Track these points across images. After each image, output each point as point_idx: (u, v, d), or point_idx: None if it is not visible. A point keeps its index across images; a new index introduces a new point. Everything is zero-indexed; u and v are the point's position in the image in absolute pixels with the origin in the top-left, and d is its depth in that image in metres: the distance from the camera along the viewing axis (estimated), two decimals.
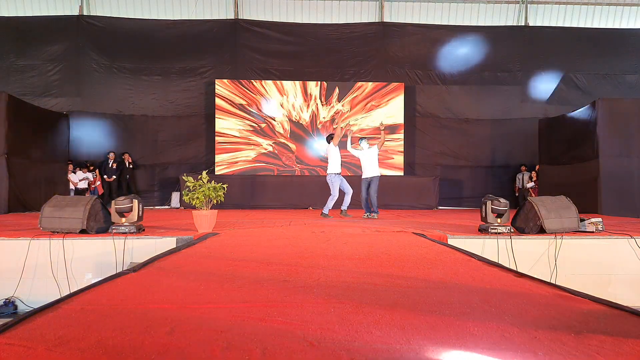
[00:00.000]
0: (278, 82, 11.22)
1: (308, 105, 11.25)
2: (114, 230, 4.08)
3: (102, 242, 3.99)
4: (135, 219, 4.26)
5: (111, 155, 10.57)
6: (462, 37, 11.64)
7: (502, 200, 4.31)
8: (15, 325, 1.44)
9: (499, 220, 4.29)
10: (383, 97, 11.25)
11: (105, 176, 10.53)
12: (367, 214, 6.89)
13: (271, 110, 11.19)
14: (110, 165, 10.53)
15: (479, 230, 4.41)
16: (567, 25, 12.11)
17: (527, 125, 11.18)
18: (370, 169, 6.86)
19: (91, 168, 10.54)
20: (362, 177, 6.97)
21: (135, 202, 4.28)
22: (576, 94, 11.47)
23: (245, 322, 1.51)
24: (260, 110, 11.15)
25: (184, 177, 4.83)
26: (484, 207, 4.33)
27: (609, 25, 12.15)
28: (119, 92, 11.08)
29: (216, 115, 11.02)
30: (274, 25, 11.54)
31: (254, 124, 11.14)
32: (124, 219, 4.19)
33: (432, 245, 3.59)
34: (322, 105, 11.25)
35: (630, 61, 11.76)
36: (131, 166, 10.73)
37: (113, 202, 4.26)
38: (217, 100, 11.00)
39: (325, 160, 7.01)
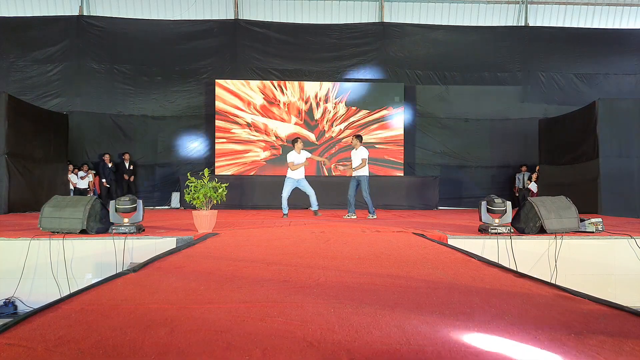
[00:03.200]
0: (278, 82, 11.22)
1: (308, 105, 11.25)
2: (114, 230, 4.08)
3: (102, 242, 3.99)
4: (140, 219, 4.27)
5: (106, 157, 10.52)
6: (462, 37, 11.65)
7: (496, 199, 4.31)
8: (15, 325, 1.44)
9: (496, 221, 4.29)
10: (383, 97, 11.27)
11: (103, 180, 10.49)
12: (350, 214, 6.85)
13: (271, 110, 11.18)
14: (109, 167, 10.50)
15: (479, 230, 4.41)
16: (567, 25, 12.12)
17: (527, 125, 11.19)
18: (360, 168, 6.82)
19: (88, 171, 10.50)
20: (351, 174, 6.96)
21: (140, 202, 4.30)
22: (576, 94, 11.48)
23: (245, 322, 1.51)
24: (260, 110, 11.15)
25: (188, 176, 4.84)
26: (480, 207, 4.35)
27: (609, 25, 12.16)
28: (119, 92, 11.08)
29: (216, 116, 11.02)
30: (274, 25, 11.54)
31: (254, 124, 11.13)
32: (126, 220, 4.20)
33: (432, 245, 3.59)
34: (322, 105, 11.24)
35: (630, 61, 11.77)
36: (131, 167, 10.70)
37: (114, 202, 4.26)
38: (217, 101, 11.00)
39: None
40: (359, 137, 6.95)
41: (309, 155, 7.19)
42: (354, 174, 6.86)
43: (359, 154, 6.83)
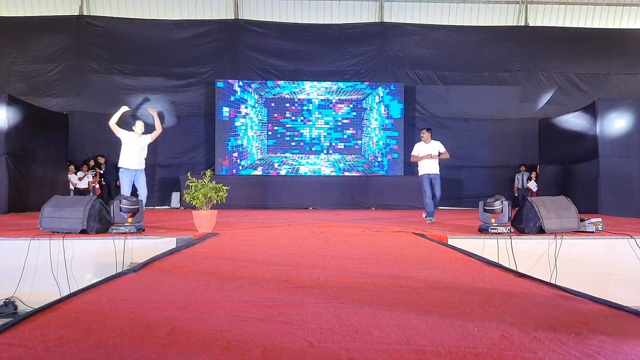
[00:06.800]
0: (278, 82, 11.22)
1: (307, 105, 11.24)
2: (114, 230, 4.08)
3: (102, 242, 3.99)
4: (141, 219, 4.29)
5: (100, 159, 10.47)
6: (462, 37, 11.65)
7: (489, 199, 4.33)
8: (15, 325, 1.43)
9: (492, 220, 4.30)
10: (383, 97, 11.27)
11: (102, 179, 10.47)
12: (431, 216, 6.09)
13: (271, 109, 11.18)
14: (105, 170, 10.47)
15: (479, 230, 4.42)
16: (567, 25, 12.12)
17: (527, 125, 11.20)
18: (435, 165, 6.18)
19: (92, 164, 10.48)
20: (425, 173, 6.16)
21: (141, 202, 4.32)
22: (576, 94, 11.48)
23: (245, 322, 1.51)
24: (260, 110, 11.15)
25: (188, 176, 4.84)
26: (479, 207, 4.38)
27: (609, 25, 12.16)
28: (119, 92, 11.07)
29: (216, 115, 11.02)
30: (274, 25, 11.54)
31: (254, 124, 11.13)
32: (130, 219, 4.21)
33: (432, 245, 3.59)
34: (322, 104, 11.24)
35: (630, 61, 11.76)
36: None
37: (116, 202, 4.26)
38: (217, 100, 11.00)
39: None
40: (430, 130, 6.39)
41: (148, 139, 5.71)
42: (431, 171, 6.12)
43: (435, 147, 6.21)
